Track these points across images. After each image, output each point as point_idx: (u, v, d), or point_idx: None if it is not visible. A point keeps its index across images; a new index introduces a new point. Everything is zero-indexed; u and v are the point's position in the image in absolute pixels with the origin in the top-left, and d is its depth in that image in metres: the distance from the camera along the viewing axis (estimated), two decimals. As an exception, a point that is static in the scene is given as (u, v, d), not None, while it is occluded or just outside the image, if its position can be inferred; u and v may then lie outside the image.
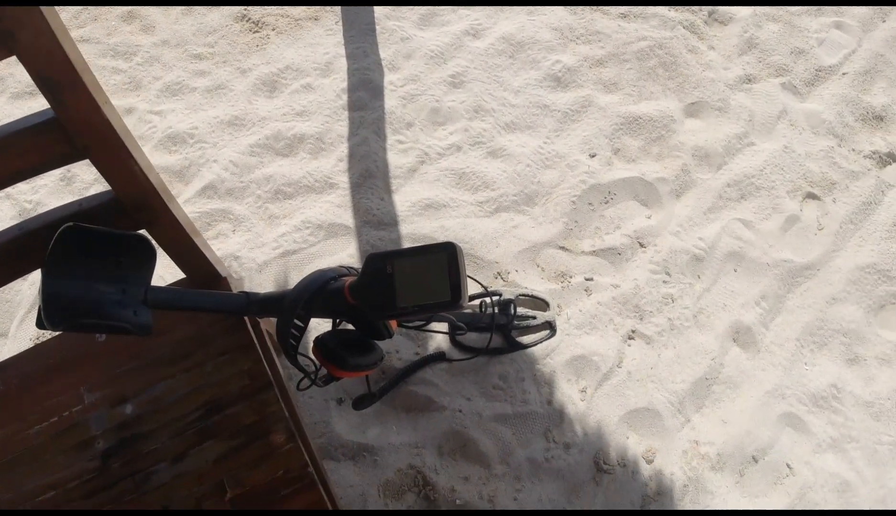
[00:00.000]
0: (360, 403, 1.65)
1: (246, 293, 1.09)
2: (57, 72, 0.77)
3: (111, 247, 0.95)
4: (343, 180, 2.01)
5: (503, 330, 1.80)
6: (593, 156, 2.13)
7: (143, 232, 1.01)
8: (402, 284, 0.97)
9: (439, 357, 1.77)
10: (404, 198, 1.99)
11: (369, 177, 2.01)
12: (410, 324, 1.31)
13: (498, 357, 1.80)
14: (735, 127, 2.26)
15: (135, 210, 0.97)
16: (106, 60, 2.30)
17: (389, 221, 1.94)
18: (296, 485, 1.05)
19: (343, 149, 2.07)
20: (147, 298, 0.98)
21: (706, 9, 2.51)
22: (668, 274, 1.99)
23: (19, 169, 0.86)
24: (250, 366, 1.12)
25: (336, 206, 1.96)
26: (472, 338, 1.82)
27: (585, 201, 2.06)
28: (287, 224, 1.95)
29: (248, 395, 1.10)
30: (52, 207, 0.96)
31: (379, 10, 2.38)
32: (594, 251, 2.00)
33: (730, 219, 2.08)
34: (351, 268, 1.13)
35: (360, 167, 2.03)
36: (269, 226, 1.96)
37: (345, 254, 1.90)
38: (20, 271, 1.03)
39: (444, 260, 0.96)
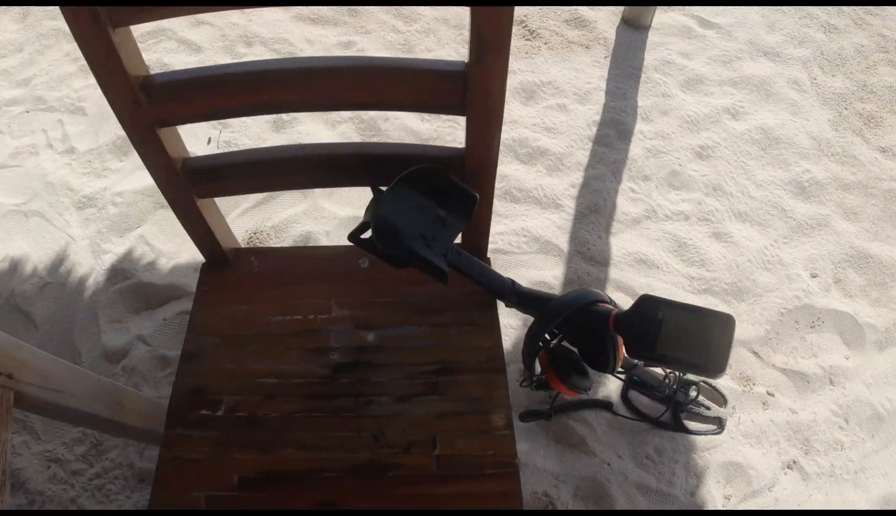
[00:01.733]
0: (527, 417, 1.68)
1: (513, 280, 1.14)
2: (492, 35, 0.83)
3: (443, 197, 1.02)
4: (569, 205, 2.05)
5: (676, 407, 1.78)
6: (814, 277, 2.07)
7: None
8: (668, 333, 0.99)
9: (607, 405, 1.78)
10: (621, 245, 2.00)
11: (594, 212, 2.04)
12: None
13: (660, 430, 1.78)
14: (966, 303, 2.14)
15: (473, 174, 1.04)
16: (388, 17, 2.44)
17: (601, 260, 1.96)
18: (500, 469, 1.07)
19: (578, 176, 2.11)
20: (448, 253, 1.04)
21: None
22: (846, 421, 1.90)
23: (410, 100, 0.95)
24: (490, 346, 1.17)
25: (556, 227, 2.00)
26: (642, 401, 1.81)
27: (792, 317, 2.00)
28: (507, 225, 2.00)
29: (481, 371, 1.14)
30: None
31: (649, 59, 2.41)
32: (784, 369, 1.94)
33: (928, 393, 1.97)
34: (609, 298, 1.15)
35: (588, 199, 2.06)
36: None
37: (549, 273, 1.93)
38: (348, 183, 1.12)
39: (718, 328, 0.98)
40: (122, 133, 2.29)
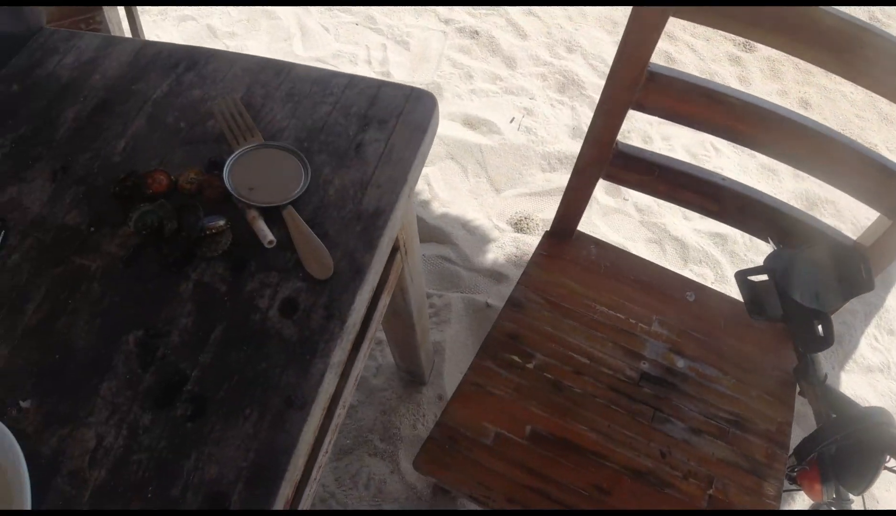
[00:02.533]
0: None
1: (826, 373, 1.19)
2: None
3: (835, 275, 1.08)
4: (816, 325, 2.06)
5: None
6: None
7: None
8: None
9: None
10: (850, 384, 2.00)
11: (836, 343, 2.04)
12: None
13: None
14: None
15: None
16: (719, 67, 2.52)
17: (828, 389, 1.96)
18: (756, 536, 1.12)
19: (834, 302, 2.11)
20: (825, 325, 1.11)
21: None
22: None
23: (847, 182, 1.03)
24: (781, 421, 1.21)
25: (798, 340, 2.02)
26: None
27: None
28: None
29: (768, 439, 1.19)
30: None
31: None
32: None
33: None
34: None
35: (835, 329, 2.06)
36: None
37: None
38: (744, 227, 1.23)
39: None
40: (437, 79, 2.47)
